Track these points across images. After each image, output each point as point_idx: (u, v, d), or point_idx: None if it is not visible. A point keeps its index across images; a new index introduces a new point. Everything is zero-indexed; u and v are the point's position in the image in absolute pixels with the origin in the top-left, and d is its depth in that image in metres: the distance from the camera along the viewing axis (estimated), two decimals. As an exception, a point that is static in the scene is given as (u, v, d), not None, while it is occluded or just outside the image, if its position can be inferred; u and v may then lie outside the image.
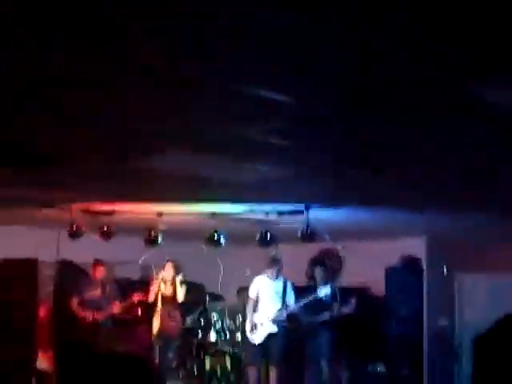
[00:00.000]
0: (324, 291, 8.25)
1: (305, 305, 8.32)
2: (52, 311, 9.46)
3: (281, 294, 8.12)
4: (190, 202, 7.01)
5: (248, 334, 8.18)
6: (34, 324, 8.43)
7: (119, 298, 8.64)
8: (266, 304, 8.14)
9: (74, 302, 8.61)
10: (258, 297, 8.18)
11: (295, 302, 8.14)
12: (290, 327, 8.41)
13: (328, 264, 9.31)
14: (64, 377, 8.52)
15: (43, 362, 8.89)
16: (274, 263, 8.15)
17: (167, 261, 8.56)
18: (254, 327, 8.09)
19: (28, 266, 8.37)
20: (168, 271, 8.41)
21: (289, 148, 4.40)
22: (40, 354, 8.90)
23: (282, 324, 8.11)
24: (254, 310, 8.16)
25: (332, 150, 4.50)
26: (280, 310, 8.08)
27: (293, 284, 8.34)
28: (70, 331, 8.67)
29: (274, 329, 8.04)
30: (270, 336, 8.05)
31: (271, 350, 8.06)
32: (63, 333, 9.00)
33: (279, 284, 8.18)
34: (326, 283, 8.49)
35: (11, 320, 8.21)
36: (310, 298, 8.18)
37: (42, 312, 9.20)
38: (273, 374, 8.08)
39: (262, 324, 8.07)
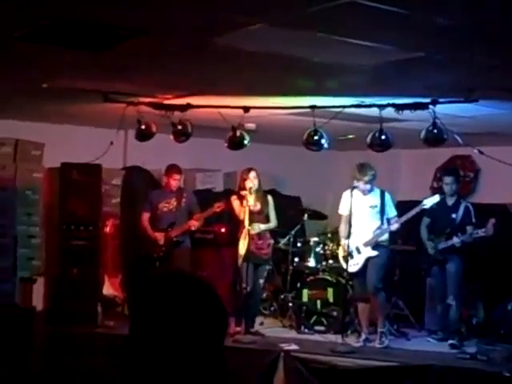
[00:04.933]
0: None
1: (429, 226, 8.24)
2: (119, 227, 9.78)
3: (378, 209, 7.88)
4: (284, 94, 6.92)
5: (341, 261, 8.07)
6: (98, 242, 8.69)
7: (199, 213, 8.77)
8: (360, 222, 7.93)
9: (145, 216, 8.78)
10: (350, 214, 7.91)
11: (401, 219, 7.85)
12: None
13: (460, 174, 9.11)
14: (134, 305, 8.83)
15: (110, 287, 9.26)
16: (365, 171, 7.87)
17: (249, 169, 8.42)
18: (349, 253, 7.87)
19: (90, 174, 8.57)
20: (256, 181, 8.38)
21: (417, 20, 4.17)
22: (106, 278, 9.27)
23: (383, 246, 7.90)
24: (348, 232, 7.89)
25: (475, 19, 4.24)
26: (379, 228, 7.85)
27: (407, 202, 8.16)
28: (140, 251, 8.93)
29: (371, 253, 7.84)
30: (369, 263, 7.86)
31: (369, 281, 7.84)
32: (133, 253, 9.31)
33: (375, 196, 7.94)
34: (456, 199, 8.35)
35: (71, 237, 8.53)
36: (436, 216, 8.04)
37: (108, 228, 9.51)
38: (378, 312, 7.95)
39: (357, 248, 7.90)
